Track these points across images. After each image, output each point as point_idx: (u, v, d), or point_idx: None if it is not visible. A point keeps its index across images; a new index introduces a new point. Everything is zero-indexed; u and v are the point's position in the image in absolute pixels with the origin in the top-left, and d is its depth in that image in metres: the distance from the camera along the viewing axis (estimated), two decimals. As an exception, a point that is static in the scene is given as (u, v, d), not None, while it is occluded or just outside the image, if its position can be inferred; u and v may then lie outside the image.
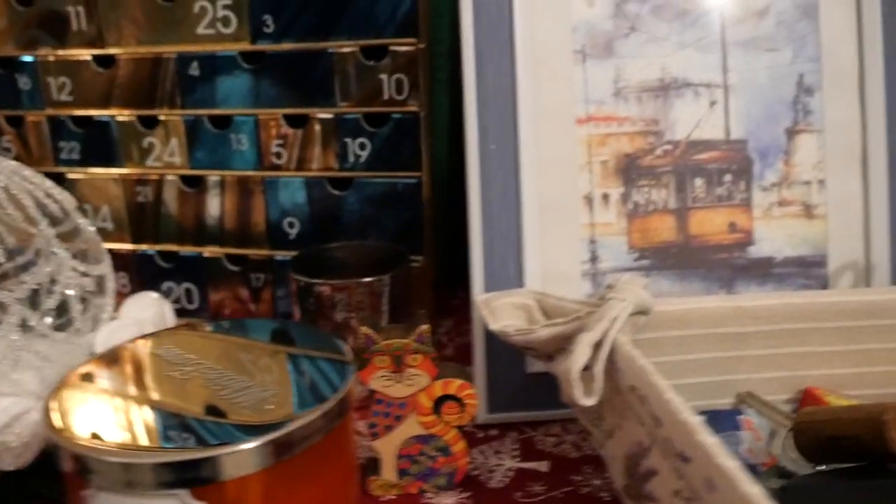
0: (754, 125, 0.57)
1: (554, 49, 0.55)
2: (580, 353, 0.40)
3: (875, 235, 0.57)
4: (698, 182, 0.56)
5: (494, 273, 0.54)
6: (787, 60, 0.57)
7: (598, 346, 0.41)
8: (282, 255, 0.70)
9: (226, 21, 0.66)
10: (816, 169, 0.57)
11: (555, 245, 0.55)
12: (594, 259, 0.55)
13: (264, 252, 0.71)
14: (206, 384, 0.38)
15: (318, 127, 0.66)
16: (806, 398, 0.49)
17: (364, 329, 0.44)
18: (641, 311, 0.44)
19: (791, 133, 0.57)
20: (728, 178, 0.57)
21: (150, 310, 0.55)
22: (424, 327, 0.44)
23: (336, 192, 0.67)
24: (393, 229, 0.67)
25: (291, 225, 0.69)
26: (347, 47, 0.63)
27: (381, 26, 0.62)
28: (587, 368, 0.41)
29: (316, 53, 0.64)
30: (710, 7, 0.56)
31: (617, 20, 0.56)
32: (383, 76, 0.63)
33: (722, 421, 0.47)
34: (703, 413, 0.48)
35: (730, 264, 0.57)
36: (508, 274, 0.54)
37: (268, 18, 0.65)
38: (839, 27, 0.58)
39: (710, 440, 0.31)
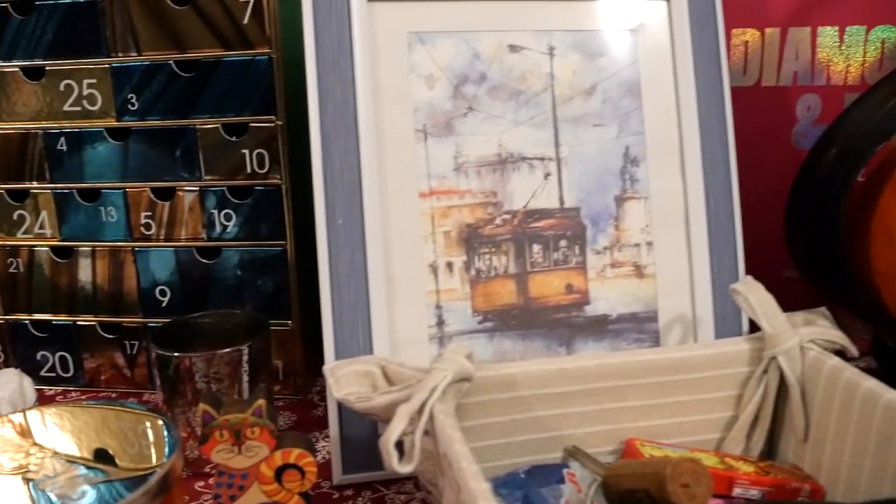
0: (586, 194, 0.62)
1: (397, 129, 0.59)
2: (396, 423, 0.43)
3: (699, 291, 0.63)
4: (536, 248, 0.61)
5: (344, 341, 0.57)
6: (613, 134, 0.63)
7: (419, 414, 0.44)
8: (155, 322, 0.71)
9: (91, 99, 0.68)
10: (644, 232, 0.63)
11: (403, 312, 0.58)
12: (441, 323, 0.59)
13: (138, 320, 0.72)
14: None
15: (184, 199, 0.68)
16: (626, 449, 0.53)
17: (202, 406, 0.46)
18: (464, 379, 0.47)
19: (620, 200, 0.62)
20: (563, 243, 0.61)
21: (8, 386, 0.56)
22: (260, 402, 0.46)
23: (205, 261, 0.69)
24: (263, 296, 0.69)
25: (163, 293, 0.71)
26: (210, 124, 0.66)
27: (242, 104, 0.66)
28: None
29: (180, 129, 0.67)
30: (542, 87, 0.62)
31: (456, 101, 0.60)
32: (245, 151, 0.66)
33: (548, 475, 0.50)
34: (534, 468, 0.52)
35: (568, 323, 0.61)
36: (358, 342, 0.57)
37: (132, 97, 0.67)
38: (660, 104, 0.63)
39: (487, 507, 0.34)
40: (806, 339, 0.54)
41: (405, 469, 0.43)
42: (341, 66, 0.58)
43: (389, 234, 0.58)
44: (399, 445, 0.44)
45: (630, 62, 0.63)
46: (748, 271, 0.69)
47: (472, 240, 0.60)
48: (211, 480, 0.50)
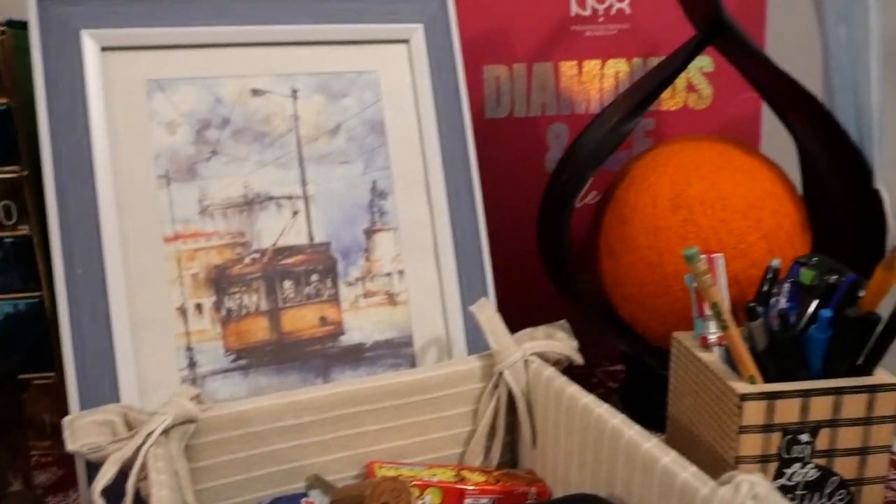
0: (335, 229, 0.65)
1: (137, 176, 0.59)
2: (105, 471, 0.44)
3: (450, 314, 0.66)
4: (287, 284, 0.63)
5: (89, 391, 0.56)
6: (360, 171, 0.66)
7: (134, 459, 0.45)
8: None
9: None
10: (395, 262, 0.66)
11: (152, 357, 0.59)
12: (192, 365, 0.60)
13: None
14: None
15: (-72, 255, 0.66)
16: (367, 473, 0.56)
17: None
18: (188, 420, 0.49)
19: (369, 233, 0.66)
20: (315, 277, 0.64)
21: None
22: None
23: (-43, 318, 0.67)
24: (24, 349, 0.68)
25: (-86, 354, 0.68)
26: (-51, 177, 0.64)
27: (-17, 155, 0.64)
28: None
29: (-82, 184, 0.64)
30: (287, 129, 0.64)
31: (198, 146, 0.62)
32: (-10, 203, 0.65)
33: (284, 506, 0.52)
34: (275, 500, 0.53)
35: (323, 354, 0.63)
36: (103, 391, 0.57)
37: None
38: (404, 140, 0.67)
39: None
40: (529, 352, 0.58)
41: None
42: (75, 115, 0.58)
43: (133, 280, 0.58)
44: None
45: (373, 101, 0.67)
46: (516, 290, 0.74)
47: (220, 280, 0.61)
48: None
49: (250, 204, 0.63)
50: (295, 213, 0.64)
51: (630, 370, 0.78)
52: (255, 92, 0.64)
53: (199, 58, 0.62)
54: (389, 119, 0.67)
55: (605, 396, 0.79)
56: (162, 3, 0.61)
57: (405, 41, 0.68)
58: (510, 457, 0.62)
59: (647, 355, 0.69)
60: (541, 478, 0.58)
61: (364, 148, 0.66)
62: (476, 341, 0.67)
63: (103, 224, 0.58)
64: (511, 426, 0.60)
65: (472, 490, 0.54)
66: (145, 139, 0.60)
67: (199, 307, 0.60)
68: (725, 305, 0.51)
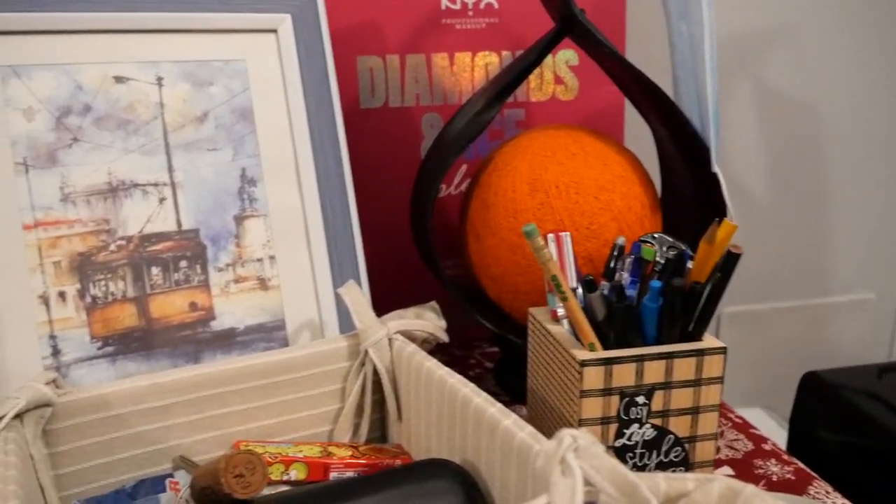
0: (204, 215, 0.65)
1: (-8, 163, 0.59)
2: (-50, 457, 0.43)
3: (322, 297, 0.68)
4: (155, 270, 0.63)
5: (-56, 381, 0.56)
6: (229, 158, 0.67)
7: (-16, 445, 0.45)
8: None
9: None
10: (267, 247, 0.67)
11: (12, 345, 0.58)
12: (57, 353, 0.59)
13: None
14: None
15: None
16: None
17: None
18: (44, 405, 0.49)
19: (239, 219, 0.67)
20: (184, 263, 0.64)
21: None
22: None
23: None
24: None
25: None
26: None
27: None
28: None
29: None
30: (152, 116, 0.64)
31: (59, 132, 0.61)
32: None
33: (149, 487, 0.53)
34: (140, 482, 0.54)
35: (194, 339, 0.64)
36: (-42, 381, 0.56)
37: None
38: (273, 127, 0.68)
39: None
40: (393, 331, 0.61)
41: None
42: (-76, 101, 0.57)
43: (-9, 268, 0.58)
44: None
45: (241, 90, 0.68)
46: (394, 276, 0.76)
47: (85, 267, 0.61)
48: None
49: (115, 191, 0.63)
50: (162, 200, 0.64)
51: (501, 349, 0.81)
52: (119, 79, 0.64)
53: (58, 44, 0.62)
54: (258, 107, 0.68)
55: (480, 376, 0.83)
56: (17, -13, 0.60)
57: (273, 31, 0.69)
58: (379, 433, 0.64)
59: (512, 334, 0.73)
60: (406, 451, 0.60)
61: (233, 135, 0.67)
62: (348, 325, 0.68)
63: (-43, 212, 0.57)
64: (378, 403, 0.62)
65: (338, 464, 0.56)
66: (0, 126, 0.59)
67: (62, 295, 0.60)
68: (567, 278, 0.55)
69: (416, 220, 0.75)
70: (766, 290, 1.30)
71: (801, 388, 0.98)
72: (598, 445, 0.41)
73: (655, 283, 0.53)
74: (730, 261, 0.51)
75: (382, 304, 0.68)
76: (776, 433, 1.13)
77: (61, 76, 0.62)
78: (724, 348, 0.54)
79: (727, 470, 0.64)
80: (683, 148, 0.70)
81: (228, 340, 0.65)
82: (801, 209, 1.29)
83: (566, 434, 0.41)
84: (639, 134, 0.87)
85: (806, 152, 1.26)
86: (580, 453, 0.40)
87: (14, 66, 0.60)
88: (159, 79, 0.65)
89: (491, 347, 0.90)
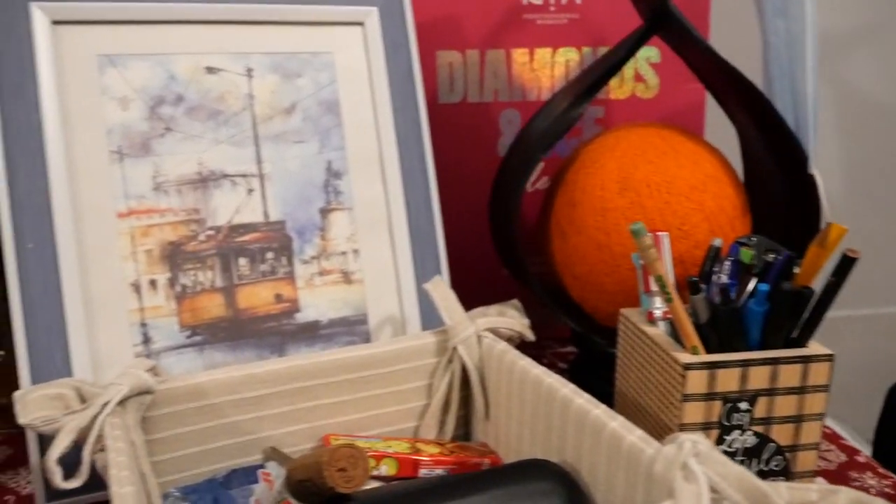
0: (290, 207, 0.65)
1: (89, 151, 0.59)
2: (61, 440, 0.44)
3: (405, 292, 0.68)
4: (242, 261, 0.63)
5: (40, 366, 0.56)
6: (315, 150, 0.66)
7: (90, 429, 0.45)
8: None
9: None
10: (350, 241, 0.67)
11: (105, 332, 0.58)
12: (147, 341, 0.60)
13: None
14: None
15: None
16: (324, 445, 0.56)
17: None
18: (144, 392, 0.49)
19: (324, 212, 0.66)
20: (270, 255, 0.64)
21: None
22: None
23: None
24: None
25: None
26: None
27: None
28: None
29: None
30: (241, 107, 0.64)
31: (152, 122, 0.61)
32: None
33: (240, 477, 0.53)
34: (232, 472, 0.54)
35: (279, 331, 0.64)
36: (55, 365, 0.56)
37: None
38: (359, 120, 0.68)
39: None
40: (481, 328, 0.60)
41: (72, 485, 0.43)
42: (25, 89, 0.57)
43: (86, 255, 0.58)
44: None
45: (329, 82, 0.67)
46: (470, 273, 0.75)
47: (175, 256, 0.61)
48: None
49: (205, 181, 0.63)
50: (250, 191, 0.64)
51: (579, 349, 0.80)
52: (210, 70, 0.64)
53: (152, 34, 0.62)
54: (344, 100, 0.68)
55: (554, 376, 0.81)
56: (116, -23, 0.60)
57: (360, 24, 0.69)
58: (464, 430, 0.63)
59: (595, 334, 0.72)
60: (493, 450, 0.59)
61: (319, 128, 0.67)
62: (430, 320, 0.68)
63: (55, 198, 0.57)
64: (464, 400, 0.61)
65: (427, 461, 0.55)
66: (97, 114, 0.60)
67: (153, 283, 0.60)
68: (670, 279, 0.53)
69: (497, 217, 0.74)
70: (841, 298, 1.27)
71: (888, 401, 0.95)
72: (718, 451, 0.40)
73: (764, 287, 0.51)
74: (845, 265, 0.49)
75: (459, 300, 0.67)
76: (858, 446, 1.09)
77: (155, 66, 0.62)
78: (832, 355, 0.52)
79: (822, 482, 0.62)
80: (776, 148, 0.68)
81: (312, 333, 0.65)
82: (880, 214, 1.25)
83: (685, 439, 0.40)
84: (719, 134, 0.85)
85: (888, 157, 1.22)
86: (702, 459, 0.39)
87: (110, 56, 0.61)
88: (249, 70, 0.65)
89: (563, 347, 0.89)
